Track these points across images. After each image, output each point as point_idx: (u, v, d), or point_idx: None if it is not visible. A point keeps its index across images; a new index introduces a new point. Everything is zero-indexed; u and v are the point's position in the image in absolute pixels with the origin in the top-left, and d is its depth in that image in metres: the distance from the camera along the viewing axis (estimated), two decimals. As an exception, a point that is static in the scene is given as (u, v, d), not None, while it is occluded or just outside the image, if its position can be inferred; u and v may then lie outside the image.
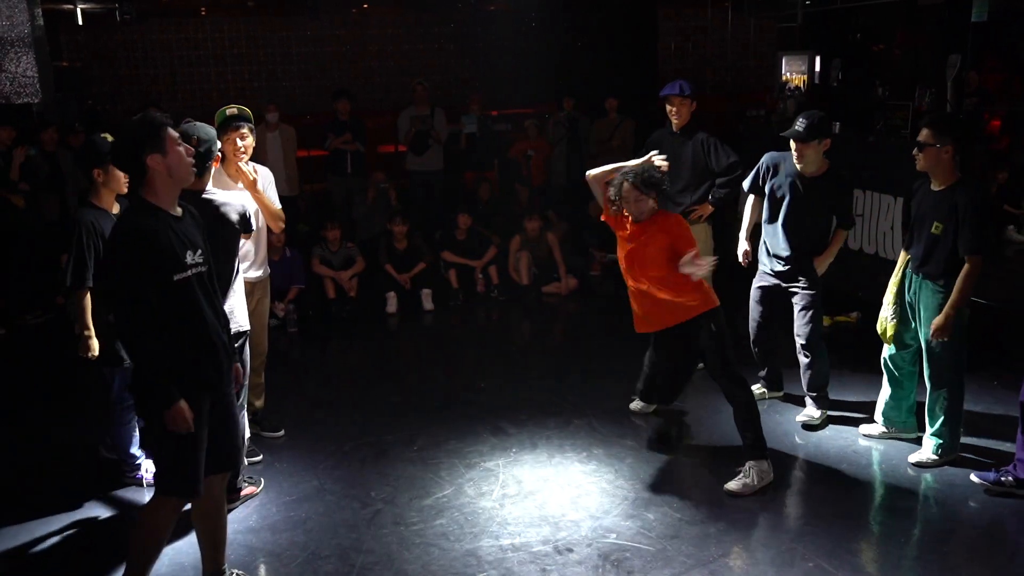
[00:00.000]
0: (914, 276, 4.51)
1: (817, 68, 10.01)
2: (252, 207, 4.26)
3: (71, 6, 9.73)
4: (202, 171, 3.83)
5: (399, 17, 13.54)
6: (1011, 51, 10.71)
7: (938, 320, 4.32)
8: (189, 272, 3.17)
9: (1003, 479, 4.27)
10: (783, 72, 10.35)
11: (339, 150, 9.42)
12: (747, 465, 4.42)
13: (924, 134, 4.34)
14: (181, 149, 3.19)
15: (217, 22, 12.89)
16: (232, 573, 3.67)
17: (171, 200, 3.21)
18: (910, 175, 6.62)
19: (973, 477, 4.36)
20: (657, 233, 4.53)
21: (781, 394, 5.54)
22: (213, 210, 3.81)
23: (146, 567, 3.37)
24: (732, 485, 4.38)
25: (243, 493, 4.44)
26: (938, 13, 8.65)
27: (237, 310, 4.03)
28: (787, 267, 5.06)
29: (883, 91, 9.17)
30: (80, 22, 10.00)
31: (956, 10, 7.67)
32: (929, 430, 4.60)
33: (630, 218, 4.60)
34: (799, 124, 4.85)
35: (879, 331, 4.77)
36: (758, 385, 5.51)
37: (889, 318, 4.68)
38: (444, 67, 13.41)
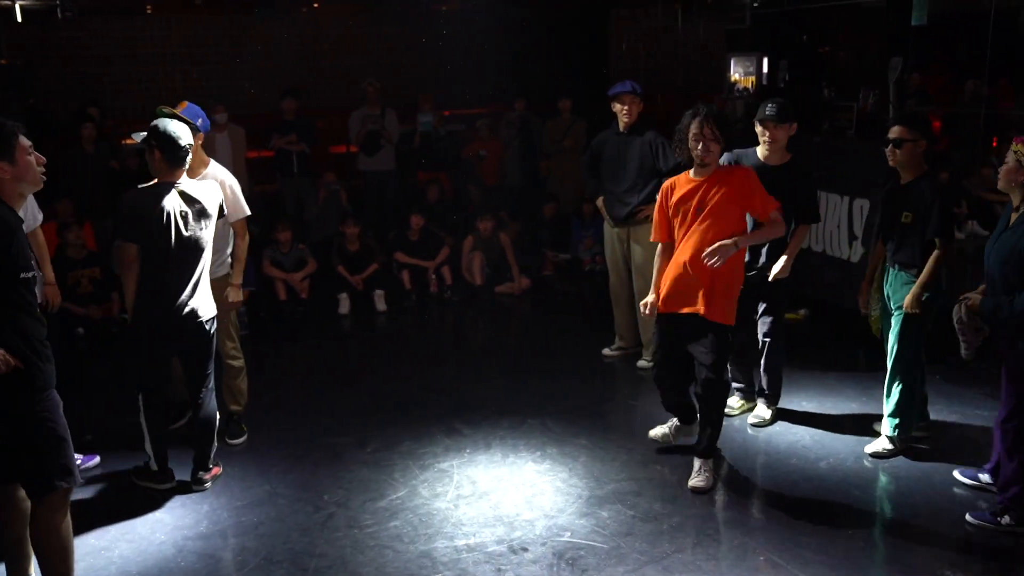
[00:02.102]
0: (890, 268, 4.64)
1: (765, 69, 10.17)
2: (221, 195, 4.46)
3: (9, 2, 9.45)
4: (178, 165, 4.20)
5: (350, 17, 13.42)
6: (950, 54, 10.99)
7: (908, 298, 4.44)
8: (32, 273, 3.18)
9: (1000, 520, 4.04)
10: (732, 73, 10.50)
11: (285, 151, 9.32)
12: (699, 462, 4.48)
13: (899, 131, 4.45)
14: (31, 158, 3.21)
15: (164, 20, 12.64)
16: None
17: (17, 203, 3.22)
18: (856, 174, 6.79)
19: (957, 475, 4.45)
20: (722, 186, 4.24)
21: (756, 404, 5.41)
22: (189, 200, 4.20)
23: (70, 570, 3.35)
24: (697, 483, 4.41)
25: (214, 473, 4.63)
26: (880, 16, 8.85)
27: (206, 295, 4.37)
28: (757, 269, 4.98)
29: (829, 92, 9.35)
30: (19, 19, 9.73)
31: (897, 13, 7.85)
32: (886, 411, 4.71)
33: (695, 178, 4.31)
34: (770, 107, 4.85)
35: (871, 323, 4.93)
36: (735, 396, 5.41)
37: (873, 312, 4.84)
38: (395, 67, 13.33)
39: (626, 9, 13.73)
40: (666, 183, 4.50)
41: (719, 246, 4.16)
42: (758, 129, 4.90)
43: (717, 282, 4.27)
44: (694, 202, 4.28)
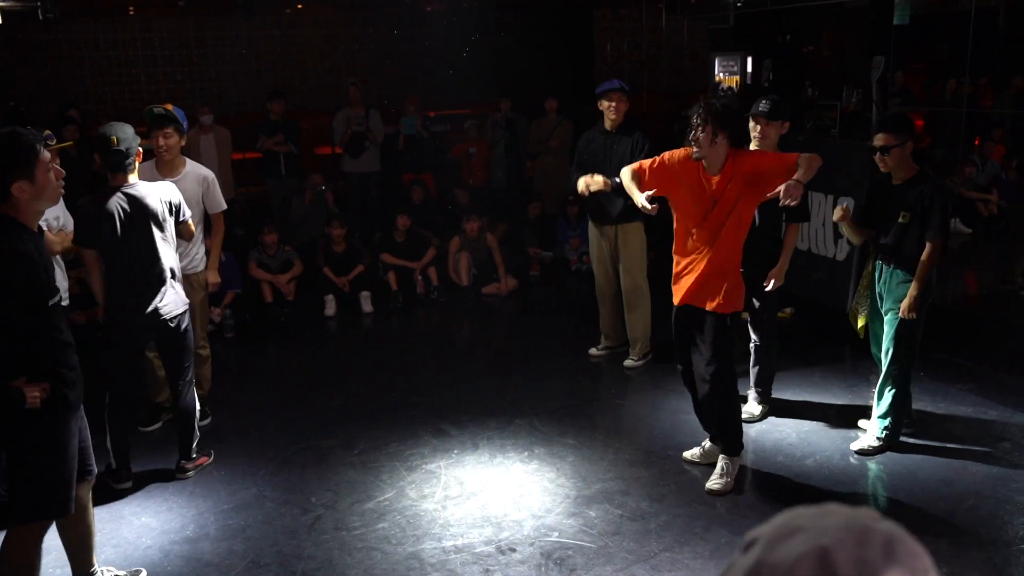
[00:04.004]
0: (884, 267, 4.65)
1: (749, 69, 10.21)
2: (178, 197, 4.45)
3: (-9, 4, 9.40)
4: (124, 169, 4.18)
5: (334, 17, 13.40)
6: (932, 53, 11.08)
7: (905, 302, 4.46)
8: (59, 296, 3.12)
9: None
10: (716, 73, 10.53)
11: (272, 152, 9.29)
12: (722, 461, 4.41)
13: (884, 138, 4.43)
14: (51, 175, 3.05)
15: (146, 22, 12.60)
16: (102, 571, 3.63)
17: (35, 221, 3.11)
18: (840, 173, 6.81)
19: None
20: (735, 175, 4.09)
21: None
22: (134, 203, 4.18)
23: None
24: (713, 485, 4.35)
25: (198, 463, 4.75)
26: (863, 16, 8.90)
27: (170, 292, 4.39)
28: (752, 269, 4.89)
29: (812, 91, 9.40)
30: (0, 21, 9.67)
31: (879, 13, 7.90)
32: (876, 412, 4.74)
33: (712, 176, 4.16)
34: (763, 103, 4.85)
35: (851, 320, 4.94)
36: (752, 402, 5.37)
37: (860, 310, 4.86)
38: (380, 68, 13.33)
39: (610, 9, 13.77)
40: (679, 152, 4.30)
41: (795, 185, 3.91)
42: (751, 124, 4.90)
43: (728, 278, 4.21)
44: (710, 197, 4.17)
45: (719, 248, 4.20)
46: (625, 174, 4.38)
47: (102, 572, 3.65)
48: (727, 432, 4.45)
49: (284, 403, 5.79)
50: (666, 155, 4.35)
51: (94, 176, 8.45)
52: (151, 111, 4.83)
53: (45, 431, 3.09)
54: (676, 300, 4.40)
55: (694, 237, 4.27)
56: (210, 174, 5.16)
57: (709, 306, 4.26)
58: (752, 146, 4.91)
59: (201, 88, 12.77)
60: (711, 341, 4.28)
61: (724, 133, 4.09)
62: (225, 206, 5.28)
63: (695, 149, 4.15)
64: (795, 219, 5.01)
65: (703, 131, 4.08)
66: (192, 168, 5.06)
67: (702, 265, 4.26)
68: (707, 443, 4.68)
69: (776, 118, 4.86)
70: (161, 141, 4.80)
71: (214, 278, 5.38)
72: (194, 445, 4.71)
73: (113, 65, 12.51)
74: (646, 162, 4.38)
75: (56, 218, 4.65)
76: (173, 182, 4.71)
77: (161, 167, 4.93)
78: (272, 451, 5.00)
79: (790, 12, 9.75)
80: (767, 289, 4.93)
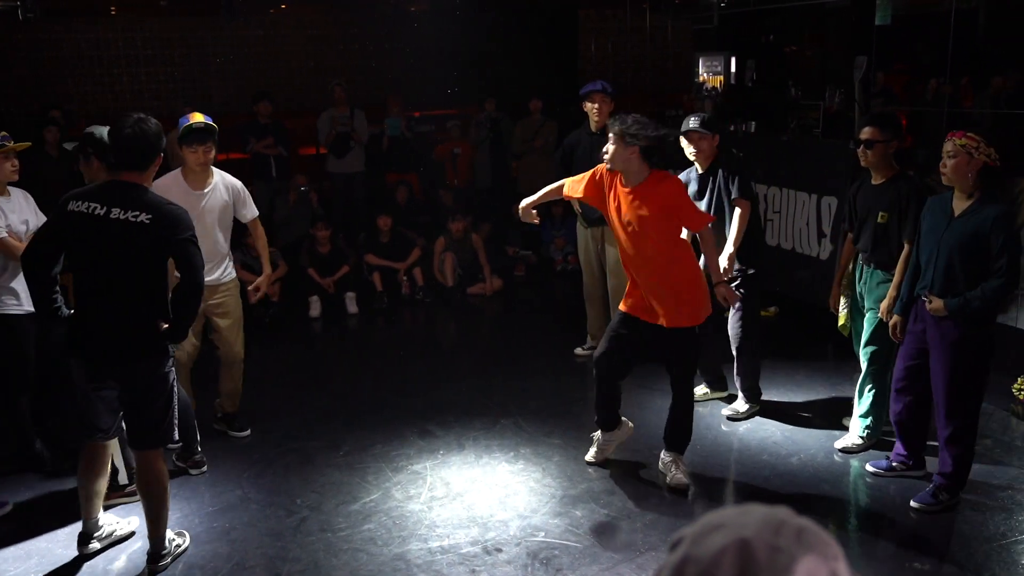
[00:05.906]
0: (865, 267, 4.68)
1: (733, 69, 10.26)
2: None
3: (-31, 4, 9.30)
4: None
5: (318, 17, 13.34)
6: (914, 53, 11.15)
7: (884, 303, 4.49)
8: None
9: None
10: (700, 73, 10.57)
11: (262, 155, 9.24)
12: (673, 457, 4.51)
13: (871, 132, 4.49)
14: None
15: (129, 22, 12.49)
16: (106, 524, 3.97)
17: None
18: (823, 173, 6.87)
19: (868, 467, 4.57)
20: (648, 197, 4.15)
21: (725, 394, 5.53)
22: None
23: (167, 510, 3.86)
24: (680, 479, 4.43)
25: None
26: (845, 16, 8.96)
27: None
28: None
29: (795, 91, 9.45)
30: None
31: (861, 13, 7.95)
32: (858, 411, 4.78)
33: (625, 188, 4.21)
34: (692, 120, 4.96)
35: (839, 326, 4.99)
36: (701, 385, 5.49)
37: (842, 309, 4.90)
38: (364, 68, 13.28)
39: (594, 9, 13.78)
40: (606, 169, 4.33)
41: (728, 292, 4.38)
42: (683, 141, 4.98)
43: (679, 294, 4.25)
44: (625, 215, 4.23)
45: (656, 266, 4.24)
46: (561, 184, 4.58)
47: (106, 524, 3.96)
48: (681, 431, 4.53)
49: (268, 404, 5.77)
50: (599, 168, 4.40)
51: (76, 177, 8.39)
52: (205, 124, 4.68)
53: (169, 375, 3.70)
54: (623, 307, 4.46)
55: (628, 252, 4.31)
56: (239, 183, 5.02)
57: (666, 324, 4.28)
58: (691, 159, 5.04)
59: (184, 89, 12.69)
60: (681, 356, 4.41)
61: (635, 147, 4.11)
62: (258, 212, 5.22)
63: (607, 160, 4.22)
64: (741, 195, 4.90)
65: (614, 143, 4.16)
66: (221, 178, 4.91)
67: (637, 287, 4.36)
68: (597, 435, 4.72)
69: (708, 131, 4.94)
70: (203, 156, 4.69)
71: (265, 284, 5.52)
72: (197, 445, 4.77)
73: (95, 66, 12.40)
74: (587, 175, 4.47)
75: (24, 222, 4.51)
76: (204, 193, 4.75)
77: (192, 178, 4.77)
78: (257, 453, 4.99)
79: (773, 12, 9.80)
80: (724, 270, 4.84)
